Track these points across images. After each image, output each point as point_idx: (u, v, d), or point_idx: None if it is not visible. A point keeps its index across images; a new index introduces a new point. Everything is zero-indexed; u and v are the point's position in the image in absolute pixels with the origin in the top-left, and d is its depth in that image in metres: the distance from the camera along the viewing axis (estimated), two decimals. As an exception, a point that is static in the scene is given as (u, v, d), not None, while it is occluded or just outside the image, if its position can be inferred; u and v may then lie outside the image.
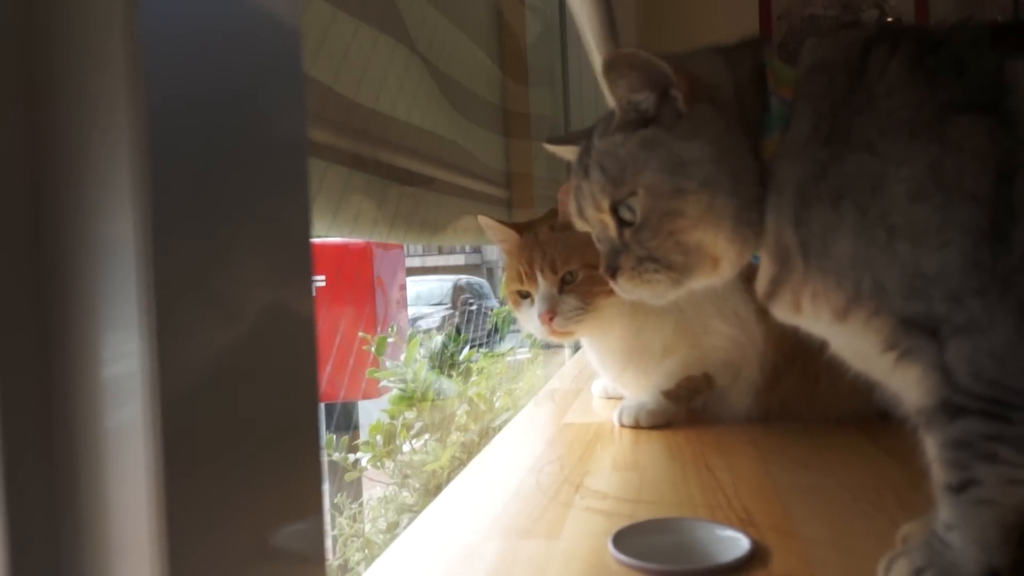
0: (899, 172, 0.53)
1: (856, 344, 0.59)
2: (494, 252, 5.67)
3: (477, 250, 6.20)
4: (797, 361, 1.07)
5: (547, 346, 2.20)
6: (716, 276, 0.66)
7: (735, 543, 0.66)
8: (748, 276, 1.07)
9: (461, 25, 1.49)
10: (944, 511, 0.55)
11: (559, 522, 0.75)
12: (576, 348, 1.97)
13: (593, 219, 0.69)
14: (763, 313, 1.08)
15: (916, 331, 0.54)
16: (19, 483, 0.28)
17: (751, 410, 1.12)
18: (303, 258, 0.39)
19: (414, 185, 1.20)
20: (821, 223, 0.56)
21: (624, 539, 0.68)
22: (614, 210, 0.66)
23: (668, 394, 1.12)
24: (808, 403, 1.08)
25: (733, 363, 1.11)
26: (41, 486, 0.29)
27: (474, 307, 6.08)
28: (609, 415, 1.17)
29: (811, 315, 0.59)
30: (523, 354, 2.48)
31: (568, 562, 0.66)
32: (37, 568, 0.29)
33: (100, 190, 0.29)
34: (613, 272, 0.67)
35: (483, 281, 6.58)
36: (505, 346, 2.40)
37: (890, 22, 2.06)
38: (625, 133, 0.65)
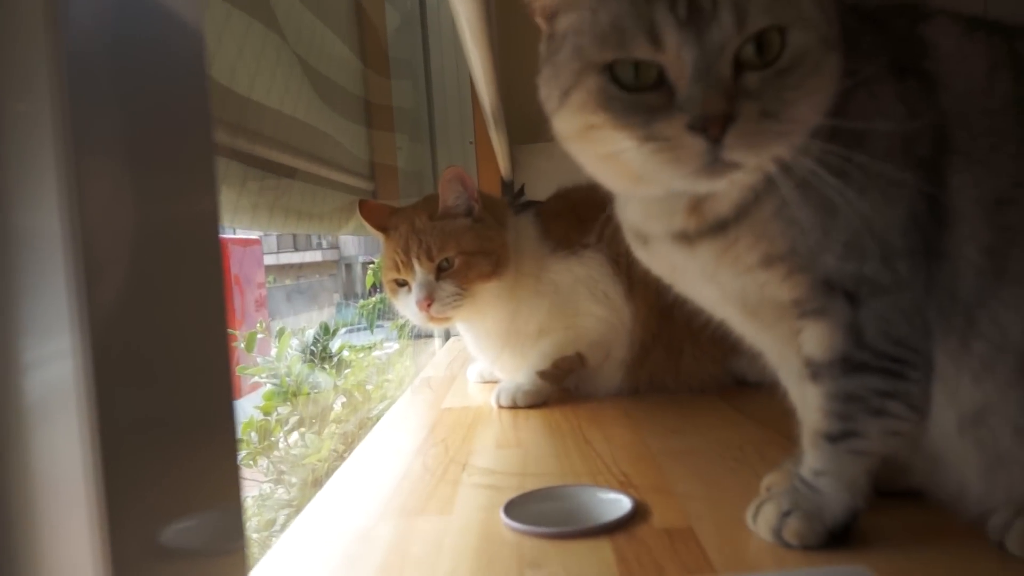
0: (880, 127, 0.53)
1: (754, 294, 0.60)
2: (352, 247, 5.39)
3: (335, 245, 5.84)
4: (662, 337, 1.14)
5: (417, 336, 2.21)
6: None
7: (618, 503, 0.71)
8: (616, 259, 1.13)
9: (317, 11, 1.46)
10: (814, 458, 0.59)
11: (450, 499, 0.78)
12: (447, 337, 2.00)
13: None
14: (631, 293, 1.15)
15: (831, 291, 0.56)
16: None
17: (621, 385, 1.19)
18: (213, 250, 0.39)
19: (275, 173, 1.17)
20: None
21: (515, 508, 0.72)
22: None
23: (543, 374, 1.16)
24: (673, 375, 1.16)
25: (604, 342, 1.17)
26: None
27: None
28: (486, 398, 1.20)
29: (731, 260, 0.58)
30: (391, 346, 2.47)
31: (464, 534, 0.69)
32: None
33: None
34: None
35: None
36: (375, 338, 2.38)
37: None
38: None
